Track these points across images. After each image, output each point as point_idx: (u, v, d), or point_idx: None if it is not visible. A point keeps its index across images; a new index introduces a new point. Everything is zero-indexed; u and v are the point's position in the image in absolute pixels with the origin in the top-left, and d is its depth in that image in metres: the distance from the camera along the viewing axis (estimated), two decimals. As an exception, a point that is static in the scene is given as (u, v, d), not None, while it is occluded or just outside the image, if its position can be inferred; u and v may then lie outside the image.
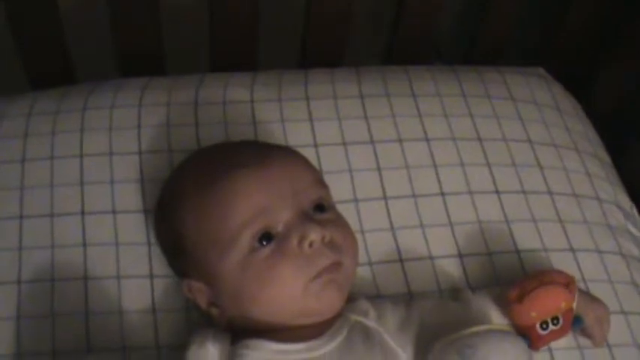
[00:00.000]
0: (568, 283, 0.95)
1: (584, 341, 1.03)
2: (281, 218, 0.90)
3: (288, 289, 0.89)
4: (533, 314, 0.94)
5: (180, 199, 0.95)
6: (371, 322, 0.94)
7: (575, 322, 0.98)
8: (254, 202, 0.90)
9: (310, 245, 0.89)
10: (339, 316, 0.94)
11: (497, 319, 0.96)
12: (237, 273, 0.90)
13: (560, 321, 0.96)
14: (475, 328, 0.90)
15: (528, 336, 0.95)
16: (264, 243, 0.90)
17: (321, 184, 0.97)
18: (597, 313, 1.00)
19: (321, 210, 0.94)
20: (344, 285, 0.92)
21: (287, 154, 0.99)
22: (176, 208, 0.96)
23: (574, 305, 0.96)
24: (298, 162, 0.98)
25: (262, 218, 0.90)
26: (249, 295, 0.90)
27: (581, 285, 1.07)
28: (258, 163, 0.93)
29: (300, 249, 0.89)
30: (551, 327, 0.95)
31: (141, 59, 1.33)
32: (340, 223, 0.96)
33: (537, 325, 0.95)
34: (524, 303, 0.94)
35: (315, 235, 0.89)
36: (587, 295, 1.01)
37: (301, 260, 0.89)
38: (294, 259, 0.89)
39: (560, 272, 0.98)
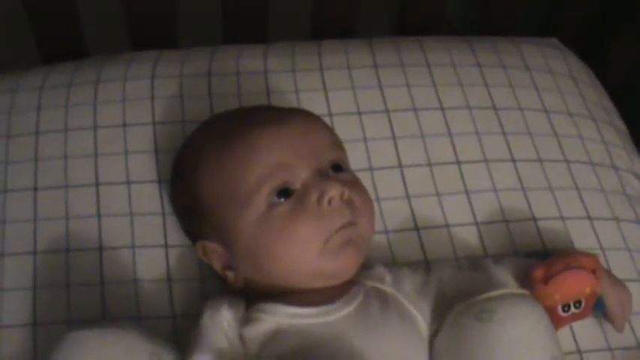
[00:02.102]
0: (595, 268, 0.95)
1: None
2: (299, 175, 0.90)
3: (306, 245, 0.88)
4: (557, 297, 0.94)
5: (197, 159, 0.95)
6: (387, 288, 0.94)
7: (598, 306, 0.98)
8: (272, 158, 0.90)
9: (329, 202, 0.89)
10: (354, 282, 0.93)
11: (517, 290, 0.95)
12: (254, 229, 0.89)
13: (583, 304, 0.95)
14: (493, 293, 0.89)
15: (549, 316, 0.93)
16: (283, 199, 0.89)
17: (339, 146, 0.97)
18: (620, 296, 0.99)
19: (339, 170, 0.93)
20: (361, 246, 0.92)
21: (305, 114, 0.99)
22: (192, 168, 0.95)
23: (598, 290, 0.96)
24: (316, 122, 0.97)
25: (281, 174, 0.89)
26: (266, 251, 0.89)
27: (599, 253, 1.06)
28: (277, 120, 0.93)
29: (320, 205, 0.88)
30: (572, 310, 0.95)
31: (152, 33, 1.33)
32: (358, 184, 0.95)
33: (559, 307, 0.94)
34: (549, 285, 0.93)
35: (334, 191, 0.88)
36: (611, 278, 1.00)
37: (320, 217, 0.88)
38: (312, 216, 0.88)
39: (587, 256, 0.96)
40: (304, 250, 0.89)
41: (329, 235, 0.89)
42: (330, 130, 0.99)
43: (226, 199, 0.91)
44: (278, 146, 0.91)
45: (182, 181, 0.98)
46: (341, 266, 0.91)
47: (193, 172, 0.95)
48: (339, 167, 0.94)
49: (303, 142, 0.92)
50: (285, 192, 0.89)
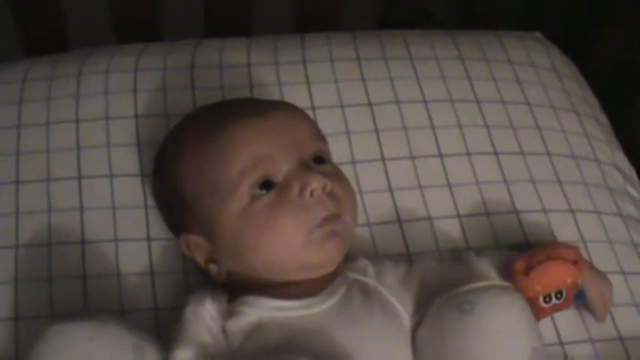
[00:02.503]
0: (576, 259, 0.95)
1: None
2: (281, 167, 0.90)
3: (289, 237, 0.89)
4: (538, 288, 0.94)
5: (179, 152, 0.95)
6: (370, 280, 0.94)
7: (578, 296, 0.98)
8: (254, 151, 0.90)
9: (312, 194, 0.89)
10: (337, 274, 0.93)
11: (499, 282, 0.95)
12: (237, 221, 0.89)
13: (564, 295, 0.96)
14: (475, 285, 0.90)
15: (530, 307, 0.93)
16: (265, 191, 0.89)
17: (321, 138, 0.97)
18: (601, 287, 0.99)
19: (321, 162, 0.93)
20: (344, 238, 0.92)
21: (287, 107, 0.99)
22: (174, 161, 0.95)
23: (579, 281, 0.96)
24: (298, 115, 0.97)
25: (262, 166, 0.89)
26: (249, 243, 0.89)
27: (580, 245, 1.06)
28: (258, 114, 0.93)
29: (302, 197, 0.89)
30: (554, 300, 0.95)
31: (136, 27, 1.32)
32: (340, 176, 0.95)
33: (540, 298, 0.95)
34: (530, 276, 0.93)
35: (316, 183, 0.88)
36: (592, 269, 1.00)
37: (302, 209, 0.89)
38: (295, 208, 0.88)
39: (568, 247, 0.97)
40: (287, 241, 0.89)
41: (311, 226, 0.89)
42: (312, 123, 0.99)
43: (208, 192, 0.91)
44: (260, 139, 0.91)
45: (164, 175, 0.98)
46: (324, 258, 0.91)
47: (175, 165, 0.95)
48: (321, 159, 0.94)
49: (286, 135, 0.92)
50: (267, 184, 0.89)
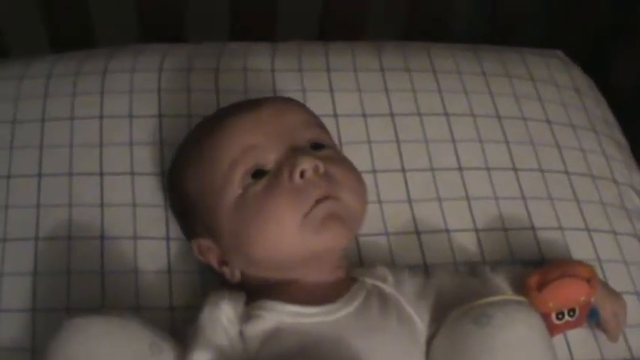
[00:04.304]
0: (590, 277, 0.95)
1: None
2: (272, 155, 0.89)
3: (283, 222, 0.87)
4: (551, 304, 0.94)
5: (181, 159, 0.97)
6: (389, 288, 0.94)
7: (591, 315, 0.98)
8: (243, 141, 0.89)
9: (302, 176, 0.87)
10: (355, 280, 0.93)
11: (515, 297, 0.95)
12: (233, 214, 0.89)
13: (577, 313, 0.96)
14: (491, 298, 0.90)
15: (543, 323, 0.94)
16: (256, 179, 0.88)
17: (318, 125, 0.96)
18: (614, 307, 0.99)
19: (320, 148, 0.92)
20: (348, 220, 0.89)
21: (279, 98, 0.99)
22: (178, 168, 0.97)
23: (593, 299, 0.96)
24: (290, 103, 0.97)
25: (252, 156, 0.89)
26: (246, 236, 0.88)
27: (596, 265, 1.06)
28: (248, 106, 0.93)
29: (291, 180, 0.87)
30: (566, 317, 0.95)
31: (160, 28, 1.33)
32: (340, 158, 0.93)
33: (553, 315, 0.95)
34: (544, 292, 0.93)
35: (305, 164, 0.86)
36: (606, 288, 1.00)
37: (293, 192, 0.86)
38: (286, 192, 0.87)
39: (583, 265, 0.97)
40: (281, 228, 0.87)
41: (305, 209, 0.86)
42: (306, 110, 0.98)
43: (206, 190, 0.91)
44: (247, 130, 0.90)
45: (173, 181, 1.00)
46: (326, 242, 0.88)
47: (179, 170, 0.97)
48: (320, 145, 0.92)
49: (276, 123, 0.91)
50: (258, 173, 0.89)
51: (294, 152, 0.89)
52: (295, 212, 0.87)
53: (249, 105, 0.95)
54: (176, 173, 0.98)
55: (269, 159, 0.89)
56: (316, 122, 0.96)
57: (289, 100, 0.98)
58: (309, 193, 0.87)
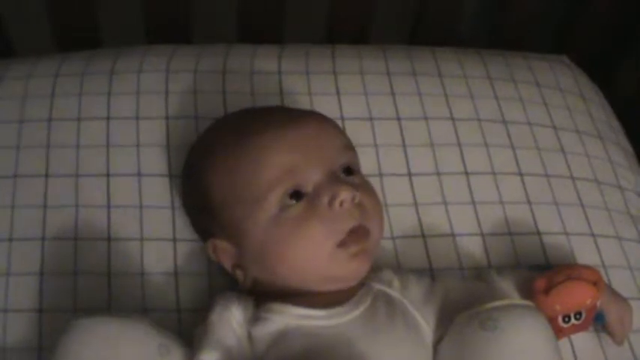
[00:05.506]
0: (596, 280, 0.95)
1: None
2: (311, 178, 0.90)
3: (317, 247, 0.89)
4: (558, 307, 0.94)
5: (208, 158, 0.96)
6: (395, 293, 0.95)
7: (597, 318, 0.99)
8: (285, 160, 0.90)
9: (341, 205, 0.89)
10: (362, 284, 0.94)
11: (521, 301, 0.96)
12: (265, 231, 0.90)
13: (583, 316, 0.96)
14: (498, 302, 0.90)
15: (550, 326, 0.95)
16: (295, 201, 0.90)
17: (351, 148, 0.98)
18: (620, 311, 1.00)
19: (350, 173, 0.94)
20: (372, 252, 0.93)
21: (318, 117, 0.99)
22: (204, 167, 0.96)
23: (599, 303, 0.97)
24: (329, 125, 0.98)
25: (292, 177, 0.90)
26: (277, 253, 0.90)
27: (601, 270, 1.06)
28: (289, 123, 0.94)
29: (331, 208, 0.89)
30: (573, 321, 0.96)
31: (167, 29, 1.33)
32: (368, 187, 0.96)
33: (559, 318, 0.95)
34: (550, 295, 0.94)
35: (346, 194, 0.89)
36: (612, 292, 1.01)
37: (330, 219, 0.89)
38: (323, 218, 0.89)
39: (589, 269, 0.97)
40: (315, 252, 0.89)
41: (340, 237, 0.89)
42: (342, 133, 1.00)
43: (237, 200, 0.92)
44: (290, 149, 0.91)
45: (193, 180, 0.99)
46: (350, 273, 0.92)
47: (205, 171, 0.96)
48: (350, 170, 0.94)
49: (316, 145, 0.92)
50: (296, 195, 0.90)
51: (333, 179, 0.91)
52: (330, 239, 0.89)
53: (289, 120, 0.95)
54: (199, 173, 0.97)
55: (308, 181, 0.90)
56: (349, 145, 0.98)
57: (325, 119, 0.99)
58: (345, 222, 0.90)
